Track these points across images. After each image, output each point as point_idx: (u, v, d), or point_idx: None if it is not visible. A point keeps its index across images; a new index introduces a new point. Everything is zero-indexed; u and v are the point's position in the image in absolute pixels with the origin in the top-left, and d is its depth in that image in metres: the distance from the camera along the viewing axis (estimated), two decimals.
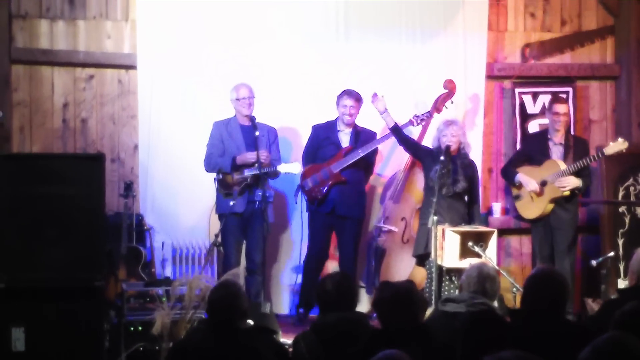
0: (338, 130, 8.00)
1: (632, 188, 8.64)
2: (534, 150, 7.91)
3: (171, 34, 8.27)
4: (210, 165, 7.73)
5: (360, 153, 7.87)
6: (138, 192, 8.16)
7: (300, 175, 7.93)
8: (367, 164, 8.08)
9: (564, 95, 8.75)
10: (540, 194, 7.68)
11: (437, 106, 8.21)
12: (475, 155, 8.50)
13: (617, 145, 7.48)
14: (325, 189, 7.86)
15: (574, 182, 7.56)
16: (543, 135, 7.94)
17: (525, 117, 8.91)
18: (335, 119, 8.03)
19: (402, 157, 8.24)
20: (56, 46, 8.34)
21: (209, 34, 8.31)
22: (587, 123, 9.09)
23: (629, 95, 8.94)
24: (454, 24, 8.68)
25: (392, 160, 8.46)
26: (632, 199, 8.60)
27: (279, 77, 8.38)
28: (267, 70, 8.35)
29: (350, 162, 7.87)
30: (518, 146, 8.78)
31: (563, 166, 7.58)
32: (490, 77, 8.84)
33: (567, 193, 7.60)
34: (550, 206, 7.68)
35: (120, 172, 8.43)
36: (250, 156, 7.56)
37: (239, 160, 7.62)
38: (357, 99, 7.90)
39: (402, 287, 4.44)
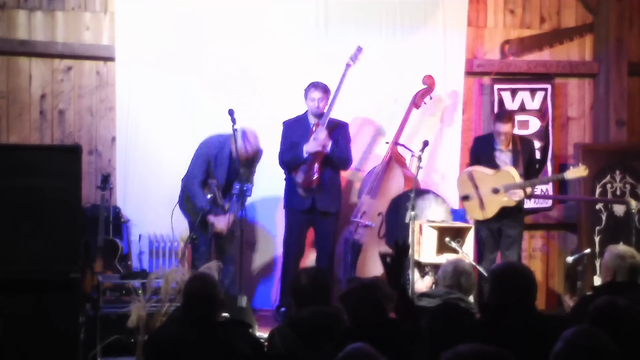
0: (311, 128, 7.93)
1: (609, 185, 8.69)
2: (480, 153, 7.97)
3: (150, 27, 8.23)
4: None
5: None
6: (115, 184, 8.13)
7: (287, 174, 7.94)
8: None
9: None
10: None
11: (416, 102, 8.25)
12: (454, 151, 8.55)
13: (579, 172, 7.67)
14: (316, 172, 7.82)
15: (523, 194, 7.72)
16: (489, 141, 7.95)
17: None
18: (305, 112, 7.99)
19: (381, 152, 8.25)
20: (34, 37, 8.27)
21: (187, 26, 8.27)
22: (565, 120, 9.12)
23: (607, 92, 8.97)
24: (434, 20, 8.68)
25: (370, 155, 8.46)
26: (609, 197, 8.66)
27: (258, 73, 8.35)
28: (246, 66, 8.32)
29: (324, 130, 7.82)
30: None
31: (518, 179, 7.66)
32: (469, 73, 8.84)
33: (514, 203, 7.72)
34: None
35: (97, 164, 8.38)
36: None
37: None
38: (325, 90, 7.87)
39: (367, 281, 4.46)
